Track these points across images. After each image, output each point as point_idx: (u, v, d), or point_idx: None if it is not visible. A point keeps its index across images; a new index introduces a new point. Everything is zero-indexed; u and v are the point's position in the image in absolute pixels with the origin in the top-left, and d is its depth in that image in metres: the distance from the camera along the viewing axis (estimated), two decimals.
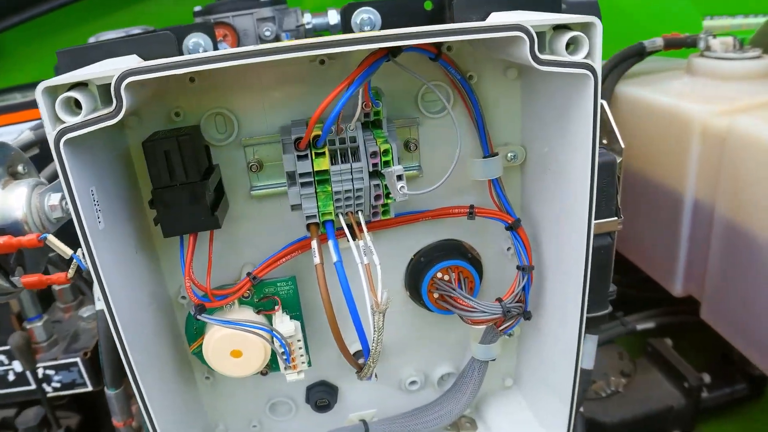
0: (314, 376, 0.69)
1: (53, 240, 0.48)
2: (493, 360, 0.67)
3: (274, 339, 0.55)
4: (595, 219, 0.62)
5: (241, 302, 0.59)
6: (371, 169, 0.52)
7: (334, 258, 0.52)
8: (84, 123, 0.42)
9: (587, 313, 0.68)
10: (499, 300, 0.60)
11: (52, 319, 0.87)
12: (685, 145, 0.88)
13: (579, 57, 0.45)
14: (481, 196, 0.61)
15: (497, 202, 0.61)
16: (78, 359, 0.78)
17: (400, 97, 0.58)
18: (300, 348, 0.57)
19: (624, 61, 1.07)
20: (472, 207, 0.60)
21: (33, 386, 0.79)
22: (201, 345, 0.57)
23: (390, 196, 0.54)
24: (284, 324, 0.57)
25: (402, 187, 0.50)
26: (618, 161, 0.66)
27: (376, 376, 0.64)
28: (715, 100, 0.88)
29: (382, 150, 0.52)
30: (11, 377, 0.81)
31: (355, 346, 0.57)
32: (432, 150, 0.60)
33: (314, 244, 0.53)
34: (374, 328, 0.53)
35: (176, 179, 0.51)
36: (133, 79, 0.42)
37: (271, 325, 0.57)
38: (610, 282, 0.71)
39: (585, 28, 0.45)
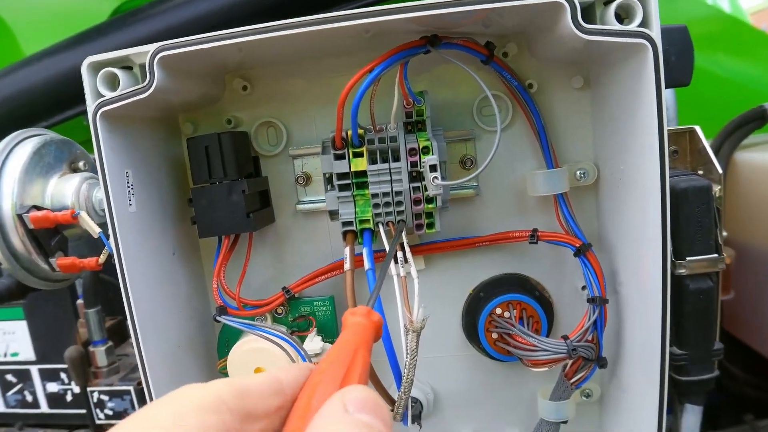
0: None
1: (84, 217, 0.49)
2: (565, 422, 0.55)
3: (299, 358, 0.50)
4: (690, 255, 0.53)
5: (274, 319, 0.55)
6: (410, 169, 0.49)
7: (367, 265, 0.48)
8: (119, 97, 0.44)
9: (685, 375, 0.56)
10: (565, 337, 0.51)
11: (122, 353, 0.87)
12: None
13: (632, 26, 0.40)
14: (550, 222, 0.55)
15: (564, 224, 0.53)
16: (131, 387, 0.77)
17: (456, 108, 0.55)
18: None
19: (742, 127, 0.96)
20: (535, 230, 0.53)
21: (85, 411, 0.78)
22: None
23: (432, 201, 0.49)
24: (312, 342, 0.51)
25: (435, 177, 0.45)
26: (717, 189, 0.57)
27: (419, 424, 0.55)
28: None
29: (421, 147, 0.48)
30: (69, 398, 0.81)
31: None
32: (491, 168, 0.55)
33: (347, 250, 0.49)
34: (407, 350, 0.46)
35: (215, 176, 0.51)
36: (167, 53, 0.43)
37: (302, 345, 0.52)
38: (715, 337, 0.58)
39: None
